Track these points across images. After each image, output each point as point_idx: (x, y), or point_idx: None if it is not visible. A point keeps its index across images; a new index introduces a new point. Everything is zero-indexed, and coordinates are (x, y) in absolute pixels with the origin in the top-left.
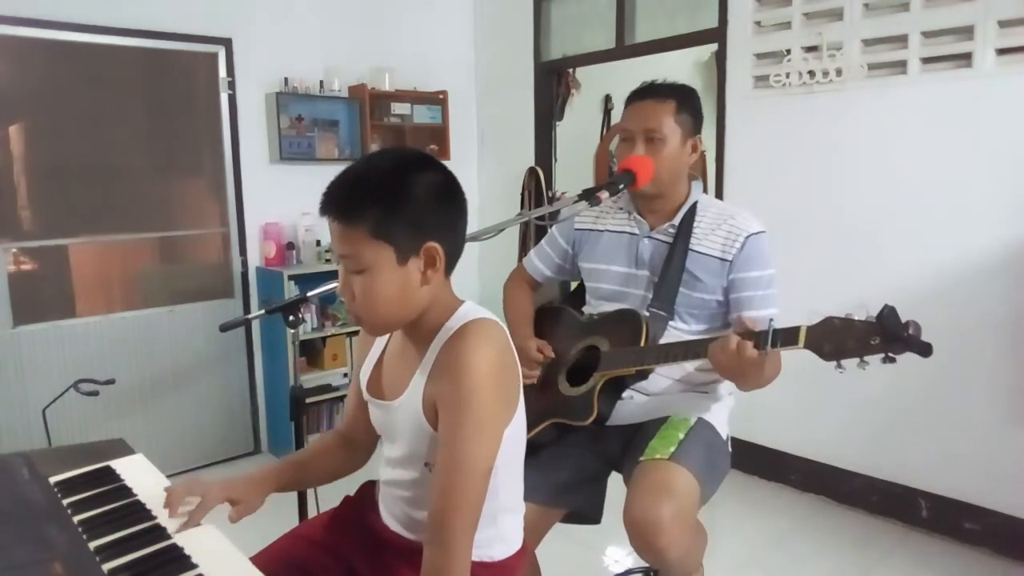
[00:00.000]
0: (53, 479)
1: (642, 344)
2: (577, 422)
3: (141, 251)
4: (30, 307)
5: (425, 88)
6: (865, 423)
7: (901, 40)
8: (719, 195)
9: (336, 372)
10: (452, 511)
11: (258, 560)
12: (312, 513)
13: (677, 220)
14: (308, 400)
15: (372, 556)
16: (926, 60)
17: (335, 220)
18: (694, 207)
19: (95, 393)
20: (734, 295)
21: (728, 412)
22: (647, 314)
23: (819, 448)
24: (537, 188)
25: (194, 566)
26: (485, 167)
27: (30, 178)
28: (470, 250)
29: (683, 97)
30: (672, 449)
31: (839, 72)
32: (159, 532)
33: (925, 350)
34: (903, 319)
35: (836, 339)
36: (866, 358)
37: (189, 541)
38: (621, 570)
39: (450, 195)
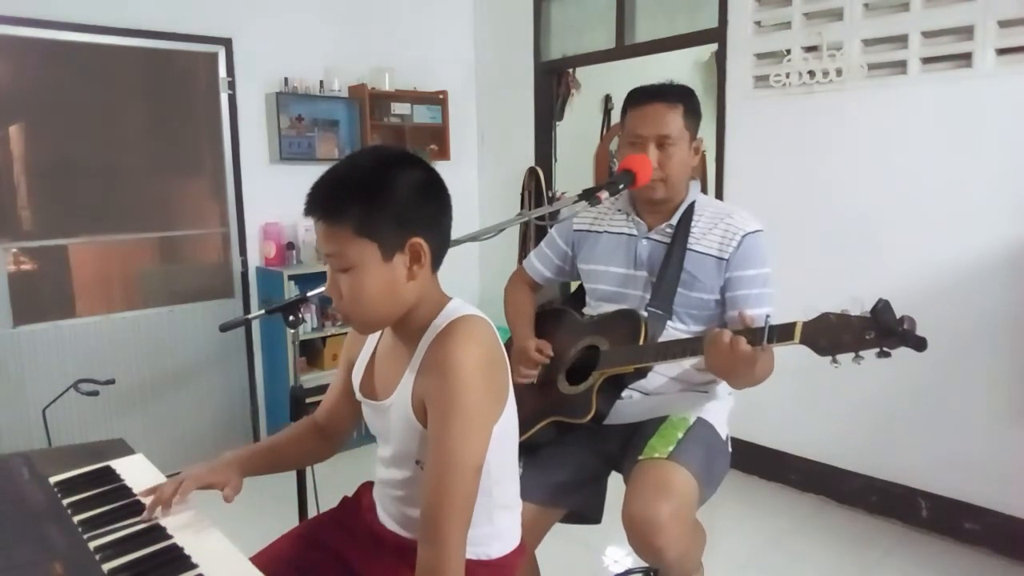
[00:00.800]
0: (53, 479)
1: (641, 343)
2: (575, 420)
3: (141, 251)
4: (30, 307)
5: (425, 88)
6: (865, 423)
7: (901, 40)
8: (719, 195)
9: (336, 372)
10: (443, 508)
11: (258, 560)
12: (312, 513)
13: (675, 220)
14: (308, 400)
15: (371, 556)
16: (926, 60)
17: (319, 220)
18: (692, 207)
19: (95, 393)
20: (730, 293)
21: (728, 412)
22: (645, 313)
23: (819, 448)
24: (537, 188)
25: (194, 566)
26: (485, 167)
27: (30, 178)
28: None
29: (689, 100)
30: (671, 448)
31: (839, 72)
32: (159, 532)
33: (920, 344)
34: (898, 314)
35: (831, 334)
36: (861, 352)
37: (189, 541)
38: (621, 570)
39: (433, 191)
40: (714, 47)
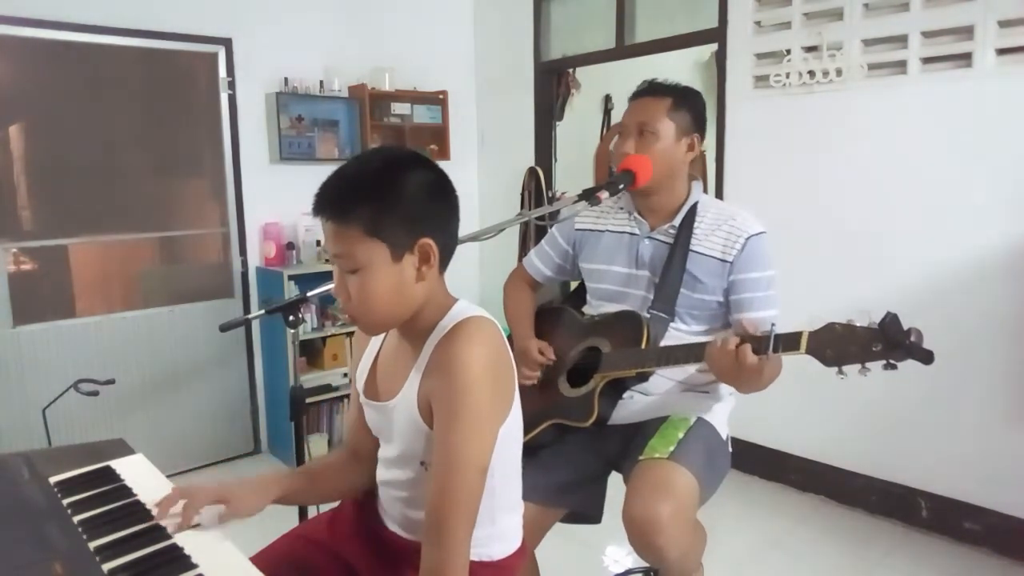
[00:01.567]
0: (53, 479)
1: (643, 345)
2: (577, 423)
3: (141, 251)
4: (30, 307)
5: (425, 88)
6: (865, 423)
7: (901, 40)
8: (719, 195)
9: (336, 372)
10: (449, 510)
11: (258, 560)
12: (312, 513)
13: (677, 221)
14: (308, 400)
15: (372, 556)
16: (926, 60)
17: (328, 220)
18: (694, 208)
19: (95, 393)
20: (734, 296)
21: (728, 412)
22: (648, 315)
23: (819, 448)
24: (537, 188)
25: (194, 566)
26: (485, 167)
27: (30, 178)
28: (470, 250)
29: (681, 96)
30: (671, 448)
31: (839, 72)
32: (159, 532)
33: (927, 358)
34: (905, 326)
35: (838, 345)
36: (868, 364)
37: (189, 541)
38: (621, 570)
39: (442, 191)
40: (714, 47)
